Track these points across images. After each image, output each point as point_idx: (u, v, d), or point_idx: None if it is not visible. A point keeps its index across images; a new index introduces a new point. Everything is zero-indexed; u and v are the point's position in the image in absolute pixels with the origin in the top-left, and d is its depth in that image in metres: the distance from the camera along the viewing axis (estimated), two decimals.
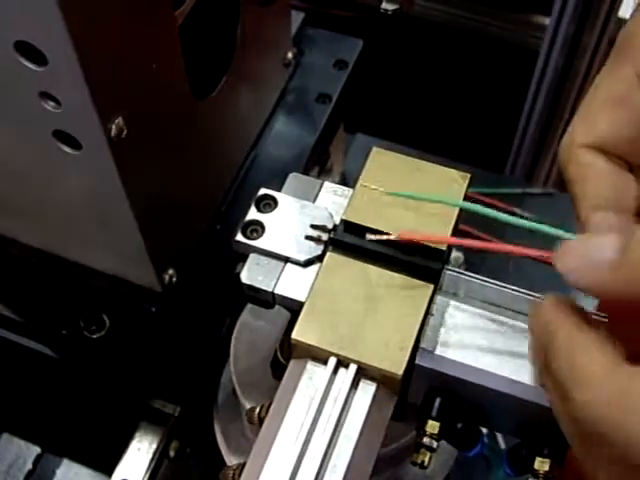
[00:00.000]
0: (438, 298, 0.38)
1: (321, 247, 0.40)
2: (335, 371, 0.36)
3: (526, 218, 0.83)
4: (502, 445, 0.69)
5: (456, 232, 0.39)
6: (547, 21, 1.04)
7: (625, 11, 0.97)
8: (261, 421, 0.38)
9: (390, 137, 0.84)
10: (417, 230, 0.38)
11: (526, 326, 0.36)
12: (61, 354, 0.57)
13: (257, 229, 0.41)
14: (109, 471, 0.57)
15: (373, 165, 0.41)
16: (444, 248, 0.38)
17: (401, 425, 0.41)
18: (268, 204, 0.41)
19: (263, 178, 0.61)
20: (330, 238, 0.40)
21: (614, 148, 0.33)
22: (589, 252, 0.28)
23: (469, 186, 0.40)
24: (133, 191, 0.45)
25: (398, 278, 0.38)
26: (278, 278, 0.39)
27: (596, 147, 0.33)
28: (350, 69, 0.67)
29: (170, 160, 0.50)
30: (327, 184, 0.42)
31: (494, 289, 0.39)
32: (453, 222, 0.38)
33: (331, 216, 0.41)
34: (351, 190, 0.41)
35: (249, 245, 0.40)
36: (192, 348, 0.55)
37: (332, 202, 0.42)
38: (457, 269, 0.39)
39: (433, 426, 0.38)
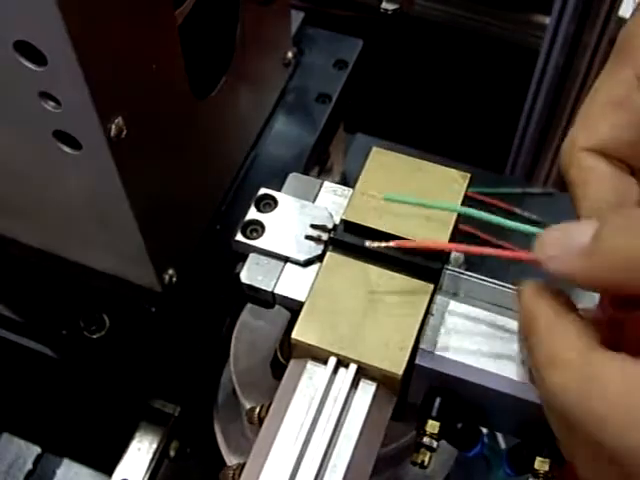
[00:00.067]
0: (438, 298, 0.38)
1: (321, 247, 0.40)
2: (335, 371, 0.36)
3: (526, 218, 0.83)
4: (502, 445, 0.69)
5: (456, 232, 0.39)
6: (547, 20, 1.04)
7: (625, 10, 0.97)
8: (261, 421, 0.38)
9: (390, 137, 0.84)
10: (417, 231, 0.38)
11: None
12: (61, 354, 0.57)
13: (257, 229, 0.41)
14: (109, 471, 0.57)
15: (373, 165, 0.41)
16: None
17: (401, 425, 0.41)
18: (268, 204, 0.41)
19: (263, 178, 0.61)
20: (330, 238, 0.40)
21: (615, 151, 0.33)
22: (566, 240, 0.29)
23: (469, 186, 0.40)
24: (133, 191, 0.45)
25: (398, 278, 0.38)
26: (278, 278, 0.39)
27: (597, 150, 0.33)
28: (350, 69, 0.67)
29: (170, 160, 0.50)
30: (327, 184, 0.42)
31: (494, 289, 0.39)
32: (453, 222, 0.38)
33: (331, 216, 0.40)
34: (351, 190, 0.41)
35: (249, 245, 0.40)
36: (192, 348, 0.55)
37: (332, 202, 0.42)
38: (457, 269, 0.39)
39: (433, 426, 0.38)
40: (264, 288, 0.39)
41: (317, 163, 0.69)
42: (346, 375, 0.36)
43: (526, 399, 0.35)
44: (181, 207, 0.52)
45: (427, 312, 0.37)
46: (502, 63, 1.18)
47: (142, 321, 0.55)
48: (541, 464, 0.37)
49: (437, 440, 0.38)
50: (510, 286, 0.38)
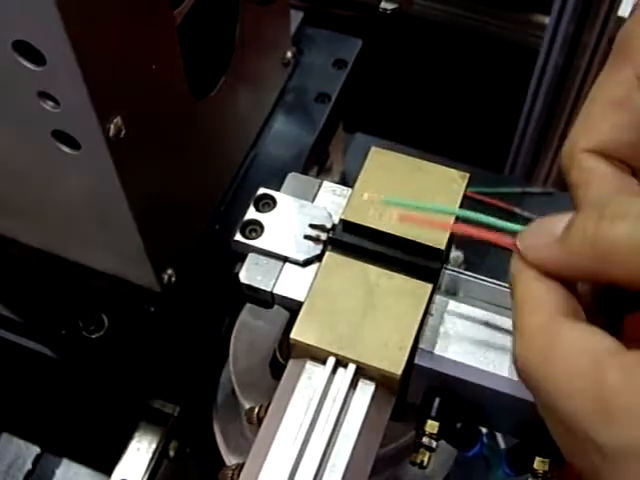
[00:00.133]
0: (437, 298, 0.38)
1: (320, 247, 0.40)
2: (334, 371, 0.36)
3: (526, 218, 0.83)
4: (502, 445, 0.69)
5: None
6: (547, 20, 1.04)
7: (625, 10, 0.97)
8: (260, 421, 0.38)
9: (389, 137, 0.84)
10: (416, 231, 0.38)
11: None
12: (60, 354, 0.57)
13: (256, 229, 0.41)
14: (108, 471, 0.57)
15: (372, 165, 0.41)
16: (443, 248, 0.38)
17: (400, 425, 0.41)
18: (267, 204, 0.41)
19: (262, 178, 0.61)
20: (329, 238, 0.40)
21: (615, 152, 0.33)
22: (542, 229, 0.29)
23: (468, 186, 0.40)
24: (132, 191, 0.45)
25: (397, 278, 0.38)
26: (277, 278, 0.39)
27: (598, 151, 0.33)
28: (349, 68, 0.67)
29: (169, 160, 0.50)
30: (326, 184, 0.42)
31: (494, 289, 0.39)
32: (452, 222, 0.38)
33: (330, 216, 0.40)
34: (350, 190, 0.40)
35: (248, 245, 0.40)
36: (191, 348, 0.55)
37: (331, 202, 0.42)
38: (456, 269, 0.39)
39: (432, 426, 0.38)
40: (263, 288, 0.39)
41: (316, 163, 0.69)
42: (345, 375, 0.36)
43: (525, 399, 0.35)
44: (180, 207, 0.52)
45: (426, 312, 0.37)
46: (501, 63, 1.18)
47: (141, 321, 0.55)
48: (540, 464, 0.37)
49: (436, 440, 0.38)
50: (509, 286, 0.38)
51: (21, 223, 0.54)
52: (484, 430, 0.41)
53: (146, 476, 0.57)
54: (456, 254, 0.52)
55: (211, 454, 0.56)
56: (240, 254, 0.41)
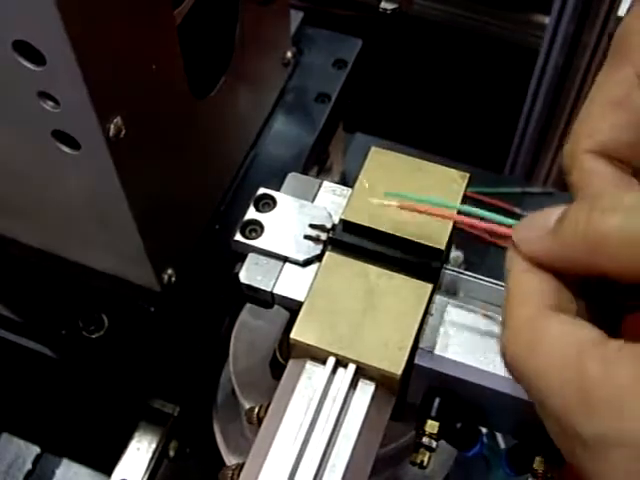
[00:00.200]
0: (437, 298, 0.38)
1: (320, 247, 0.40)
2: (334, 371, 0.36)
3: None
4: (502, 445, 0.69)
5: (456, 230, 0.39)
6: (547, 20, 1.04)
7: (625, 10, 0.97)
8: (260, 421, 0.38)
9: (389, 136, 0.84)
10: (416, 231, 0.38)
11: None
12: (60, 354, 0.57)
13: (256, 229, 0.41)
14: (108, 471, 0.57)
15: (372, 165, 0.41)
16: (443, 248, 0.38)
17: (400, 425, 0.41)
18: (267, 204, 0.41)
19: (262, 178, 0.61)
20: (329, 238, 0.40)
21: (615, 152, 0.33)
22: (536, 222, 0.29)
23: (468, 185, 0.40)
24: (132, 191, 0.45)
25: (397, 278, 0.38)
26: (277, 278, 0.39)
27: (598, 152, 0.33)
28: (349, 68, 0.67)
29: (169, 160, 0.50)
30: (326, 184, 0.42)
31: (494, 289, 0.39)
32: (452, 221, 0.38)
33: (330, 216, 0.40)
34: (350, 190, 0.41)
35: (248, 245, 0.40)
36: (191, 348, 0.55)
37: (331, 202, 0.42)
38: (456, 268, 0.39)
39: (432, 426, 0.38)
40: (263, 288, 0.39)
41: (316, 163, 0.69)
42: (345, 375, 0.36)
43: (525, 399, 0.35)
44: (180, 207, 0.52)
45: (426, 312, 0.37)
46: (501, 63, 1.18)
47: (141, 321, 0.55)
48: (540, 464, 0.37)
49: (436, 440, 0.38)
50: None
51: (21, 223, 0.54)
52: (484, 430, 0.41)
53: (146, 476, 0.57)
54: (456, 254, 0.51)
55: (211, 454, 0.56)
56: (240, 254, 0.41)
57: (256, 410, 0.40)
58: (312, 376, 0.37)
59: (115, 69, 0.40)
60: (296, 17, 0.68)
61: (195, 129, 0.52)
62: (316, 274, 0.38)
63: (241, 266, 0.40)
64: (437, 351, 0.37)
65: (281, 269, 0.40)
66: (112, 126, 0.40)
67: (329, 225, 0.40)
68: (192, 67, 0.48)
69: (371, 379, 0.36)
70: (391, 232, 0.38)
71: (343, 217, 0.39)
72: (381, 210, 0.39)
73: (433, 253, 0.38)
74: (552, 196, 0.89)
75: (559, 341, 0.27)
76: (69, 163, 0.44)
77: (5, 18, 0.36)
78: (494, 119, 1.19)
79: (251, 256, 0.40)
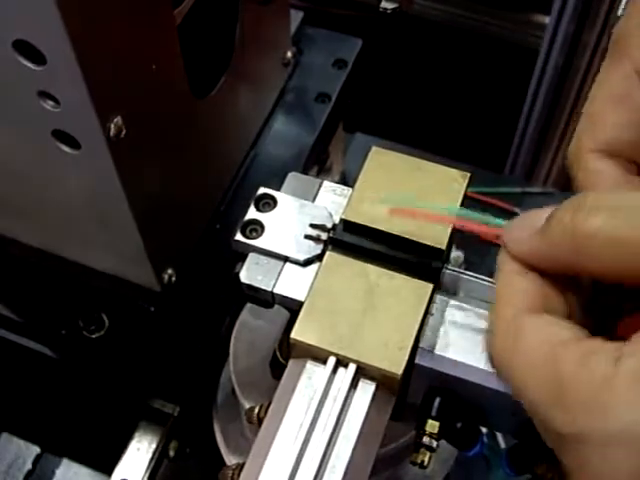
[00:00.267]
0: (438, 297, 0.38)
1: (320, 246, 0.40)
2: (334, 371, 0.36)
3: None
4: (502, 445, 0.69)
5: (456, 230, 0.39)
6: (547, 20, 1.04)
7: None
8: (260, 421, 0.38)
9: (389, 136, 0.84)
10: (416, 230, 0.38)
11: None
12: (60, 354, 0.57)
13: (256, 228, 0.41)
14: (108, 471, 0.57)
15: (372, 164, 0.41)
16: (444, 247, 0.38)
17: (401, 425, 0.41)
18: (267, 203, 0.41)
19: (262, 177, 0.61)
20: (329, 237, 0.40)
21: (619, 150, 0.33)
22: (526, 222, 0.30)
23: (469, 185, 0.40)
24: (132, 191, 0.45)
25: (398, 277, 0.38)
26: (277, 277, 0.39)
27: (602, 151, 0.33)
28: (349, 68, 0.67)
29: (169, 160, 0.49)
30: (326, 183, 0.42)
31: (494, 289, 0.38)
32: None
33: (330, 215, 0.40)
34: (350, 189, 0.40)
35: (248, 244, 0.40)
36: (191, 348, 0.55)
37: (331, 201, 0.42)
38: (457, 268, 0.39)
39: (433, 426, 0.38)
40: (263, 288, 0.39)
41: (316, 163, 0.69)
42: (345, 375, 0.36)
43: None
44: (180, 207, 0.52)
45: (427, 312, 0.37)
46: (501, 63, 1.18)
47: (141, 321, 0.55)
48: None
49: (437, 440, 0.38)
50: None
51: (21, 223, 0.54)
52: (484, 430, 0.41)
53: (146, 476, 0.57)
54: (456, 254, 0.51)
55: (211, 454, 0.56)
56: (240, 254, 0.41)
57: (256, 410, 0.40)
58: (312, 376, 0.37)
59: (115, 69, 0.40)
60: (296, 17, 0.68)
61: (195, 129, 0.52)
62: (316, 274, 0.38)
63: (241, 266, 0.40)
64: (437, 351, 0.37)
65: (281, 269, 0.40)
66: (112, 126, 0.40)
67: (329, 225, 0.40)
68: (192, 67, 0.48)
69: (371, 379, 0.36)
70: (392, 232, 0.38)
71: (344, 217, 0.39)
72: (382, 210, 0.39)
73: (434, 253, 0.38)
74: (552, 196, 0.89)
75: (537, 340, 0.27)
76: (69, 163, 0.44)
77: (5, 17, 0.36)
78: (494, 119, 1.19)
79: (251, 256, 0.40)
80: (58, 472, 0.66)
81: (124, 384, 0.58)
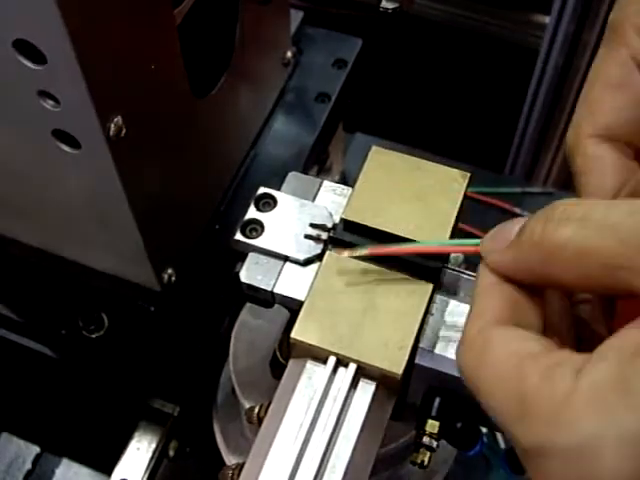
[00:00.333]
0: (438, 297, 0.38)
1: (320, 246, 0.40)
2: (334, 370, 0.36)
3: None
4: (502, 445, 0.69)
5: (456, 231, 0.39)
6: (547, 20, 1.04)
7: None
8: (260, 421, 0.38)
9: (389, 136, 0.84)
10: (416, 231, 0.38)
11: None
12: (60, 354, 0.57)
13: (256, 228, 0.41)
14: (108, 471, 0.57)
15: (372, 164, 0.41)
16: None
17: (400, 425, 0.41)
18: (267, 203, 0.41)
19: (262, 177, 0.61)
20: (329, 237, 0.40)
21: (617, 135, 0.33)
22: (501, 234, 0.30)
23: (469, 185, 0.40)
24: (132, 191, 0.45)
25: (398, 277, 0.38)
26: (277, 277, 0.39)
27: (602, 136, 0.33)
28: (349, 68, 0.67)
29: (169, 159, 0.49)
30: (326, 183, 0.42)
31: None
32: (452, 221, 0.38)
33: (330, 215, 0.40)
34: (350, 189, 0.40)
35: (248, 244, 0.40)
36: (191, 347, 0.55)
37: (331, 201, 0.42)
38: (457, 268, 0.39)
39: (433, 426, 0.38)
40: (263, 287, 0.39)
41: (316, 162, 0.69)
42: (345, 375, 0.36)
43: None
44: (180, 206, 0.52)
45: (427, 311, 0.37)
46: (502, 62, 1.18)
47: (141, 321, 0.55)
48: None
49: (437, 440, 0.38)
50: None
51: (21, 223, 0.54)
52: (484, 430, 0.41)
53: (146, 476, 0.57)
54: (456, 254, 0.51)
55: (211, 454, 0.56)
56: (240, 253, 0.40)
57: (256, 410, 0.40)
58: (312, 376, 0.37)
59: (115, 68, 0.40)
60: (296, 17, 0.68)
61: (195, 128, 0.52)
62: (316, 273, 0.38)
63: (241, 265, 0.40)
64: (437, 351, 0.37)
65: (281, 268, 0.40)
66: (112, 125, 0.40)
67: (330, 224, 0.40)
68: (192, 66, 0.48)
69: (372, 379, 0.36)
70: (392, 232, 0.38)
71: (344, 216, 0.39)
72: (382, 209, 0.39)
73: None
74: (552, 196, 0.89)
75: (504, 353, 0.27)
76: (69, 162, 0.44)
77: (5, 17, 0.36)
78: (494, 119, 1.19)
79: (251, 255, 0.40)
80: (58, 472, 0.66)
81: (124, 384, 0.58)
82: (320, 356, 0.36)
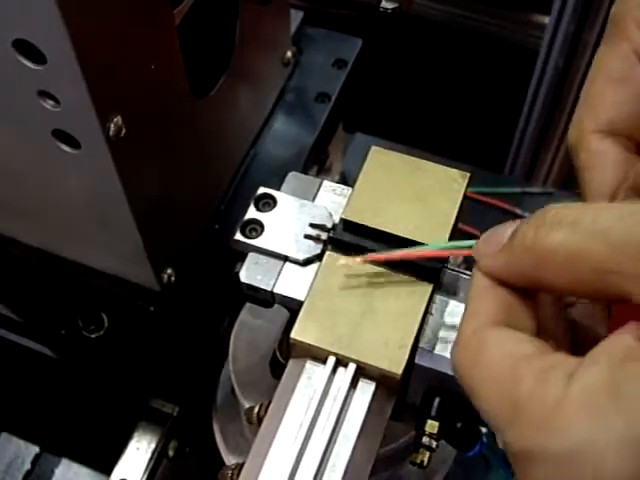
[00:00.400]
0: (437, 297, 0.38)
1: (320, 246, 0.40)
2: (334, 370, 0.36)
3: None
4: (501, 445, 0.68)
5: (455, 231, 0.39)
6: (547, 20, 1.04)
7: None
8: (260, 420, 0.38)
9: (389, 136, 0.84)
10: (416, 231, 0.38)
11: None
12: (60, 354, 0.57)
13: (256, 228, 0.41)
14: (108, 471, 0.57)
15: (372, 164, 0.41)
16: None
17: (400, 425, 0.41)
18: (267, 203, 0.41)
19: (262, 177, 0.61)
20: (329, 237, 0.40)
21: (619, 130, 0.33)
22: (493, 237, 0.30)
23: (469, 185, 0.40)
24: (132, 191, 0.45)
25: (397, 277, 0.38)
26: (277, 277, 0.39)
27: (604, 131, 0.33)
28: (349, 68, 0.67)
29: (169, 159, 0.49)
30: (326, 183, 0.42)
31: None
32: (452, 222, 0.38)
33: (330, 215, 0.40)
34: (350, 189, 0.40)
35: (248, 244, 0.40)
36: (191, 347, 0.55)
37: (331, 201, 0.41)
38: (457, 268, 0.39)
39: (432, 426, 0.38)
40: (263, 287, 0.39)
41: (316, 162, 0.69)
42: (345, 375, 0.36)
43: None
44: (180, 206, 0.52)
45: (426, 311, 0.37)
46: (501, 63, 1.18)
47: (141, 321, 0.55)
48: None
49: (436, 440, 0.38)
50: None
51: (21, 223, 0.54)
52: (484, 430, 0.41)
53: (145, 476, 0.57)
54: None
55: (211, 454, 0.56)
56: (240, 253, 0.40)
57: (256, 410, 0.40)
58: (312, 376, 0.37)
59: (115, 68, 0.40)
60: (296, 17, 0.68)
61: (195, 128, 0.52)
62: (316, 273, 0.38)
63: (241, 265, 0.40)
64: (437, 351, 0.37)
65: (281, 268, 0.40)
66: (112, 125, 0.40)
67: (329, 224, 0.40)
68: (192, 66, 0.48)
69: (371, 379, 0.36)
70: (392, 232, 0.38)
71: (344, 216, 0.39)
72: (382, 209, 0.39)
73: None
74: (552, 196, 0.89)
75: (499, 354, 0.27)
76: (69, 162, 0.44)
77: (5, 17, 0.36)
78: (494, 119, 1.19)
79: (251, 255, 0.40)
80: (57, 472, 0.66)
81: (123, 384, 0.58)
82: (320, 356, 0.36)
